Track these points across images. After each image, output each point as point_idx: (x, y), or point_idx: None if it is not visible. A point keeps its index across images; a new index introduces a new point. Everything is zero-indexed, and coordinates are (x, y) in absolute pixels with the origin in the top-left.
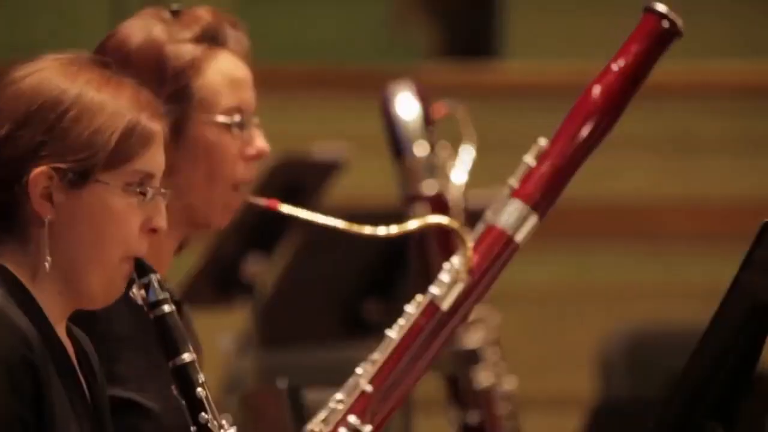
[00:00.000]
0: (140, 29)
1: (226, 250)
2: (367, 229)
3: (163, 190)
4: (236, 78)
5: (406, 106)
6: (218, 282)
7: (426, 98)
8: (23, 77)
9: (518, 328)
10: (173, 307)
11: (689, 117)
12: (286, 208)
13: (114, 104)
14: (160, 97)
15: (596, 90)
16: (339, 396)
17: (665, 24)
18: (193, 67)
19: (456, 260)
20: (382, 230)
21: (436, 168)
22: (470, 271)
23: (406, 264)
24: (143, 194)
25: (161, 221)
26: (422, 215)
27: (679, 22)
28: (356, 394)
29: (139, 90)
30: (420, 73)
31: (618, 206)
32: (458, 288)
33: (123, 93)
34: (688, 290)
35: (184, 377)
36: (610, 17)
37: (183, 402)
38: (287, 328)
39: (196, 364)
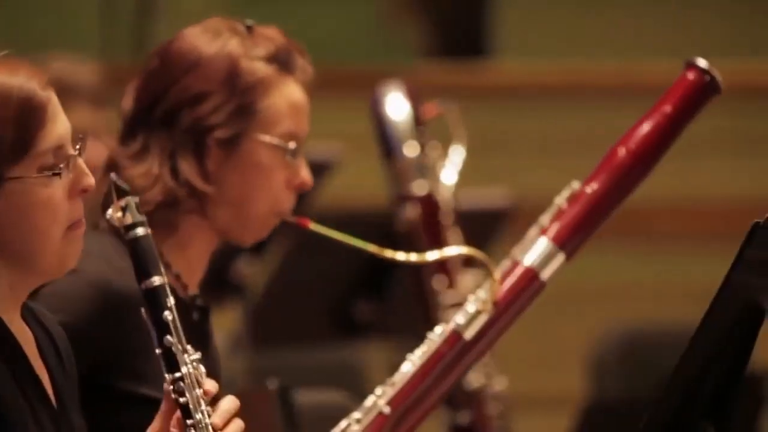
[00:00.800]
0: (213, 39)
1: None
2: (389, 253)
3: (77, 148)
4: (298, 106)
5: (397, 106)
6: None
7: (416, 98)
8: None
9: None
10: (148, 230)
11: None
12: (316, 227)
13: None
14: (226, 107)
15: (633, 140)
16: (356, 415)
17: (707, 79)
18: (263, 85)
19: (482, 291)
20: (404, 256)
21: (426, 168)
22: (495, 304)
23: (398, 265)
24: (58, 174)
25: (87, 180)
26: (413, 216)
27: (719, 78)
28: (373, 414)
29: (17, 65)
30: (411, 72)
31: None
32: (482, 319)
33: (2, 74)
34: (682, 290)
35: (153, 300)
36: (601, 17)
37: (150, 326)
38: (278, 328)
39: (167, 288)
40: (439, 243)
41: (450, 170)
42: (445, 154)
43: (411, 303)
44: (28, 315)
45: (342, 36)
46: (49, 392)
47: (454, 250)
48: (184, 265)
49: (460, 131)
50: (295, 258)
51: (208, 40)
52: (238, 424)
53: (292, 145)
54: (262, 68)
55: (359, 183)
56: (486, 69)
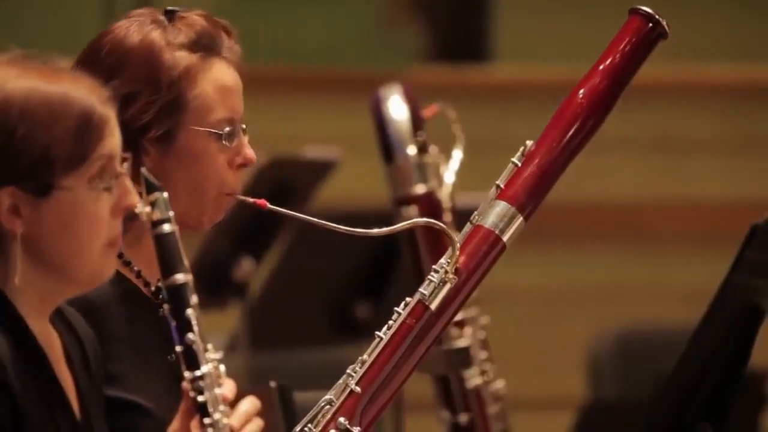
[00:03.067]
0: (136, 32)
1: (217, 251)
2: (356, 230)
3: (125, 167)
4: (228, 87)
5: (397, 108)
6: (209, 284)
7: (415, 100)
8: None
9: (507, 328)
10: (176, 227)
11: (679, 118)
12: (272, 208)
13: (61, 106)
14: (155, 105)
15: (581, 92)
16: (328, 397)
17: (650, 25)
18: (188, 76)
19: (444, 260)
20: (371, 231)
21: (426, 169)
22: (457, 271)
23: (397, 265)
24: (108, 189)
25: (131, 199)
26: (412, 217)
27: (664, 23)
28: (345, 394)
29: (80, 79)
30: (410, 75)
31: (608, 207)
32: (446, 288)
33: (66, 88)
34: (679, 291)
35: (177, 297)
36: (598, 20)
37: (173, 323)
38: (277, 329)
39: (191, 285)
40: (438, 244)
41: (449, 172)
42: (444, 155)
43: None
44: (58, 319)
45: (340, 38)
46: (73, 402)
47: (421, 219)
48: (143, 261)
49: (459, 133)
50: (295, 259)
51: (130, 34)
52: (257, 424)
53: (227, 128)
54: (184, 57)
55: (357, 184)
56: (483, 72)
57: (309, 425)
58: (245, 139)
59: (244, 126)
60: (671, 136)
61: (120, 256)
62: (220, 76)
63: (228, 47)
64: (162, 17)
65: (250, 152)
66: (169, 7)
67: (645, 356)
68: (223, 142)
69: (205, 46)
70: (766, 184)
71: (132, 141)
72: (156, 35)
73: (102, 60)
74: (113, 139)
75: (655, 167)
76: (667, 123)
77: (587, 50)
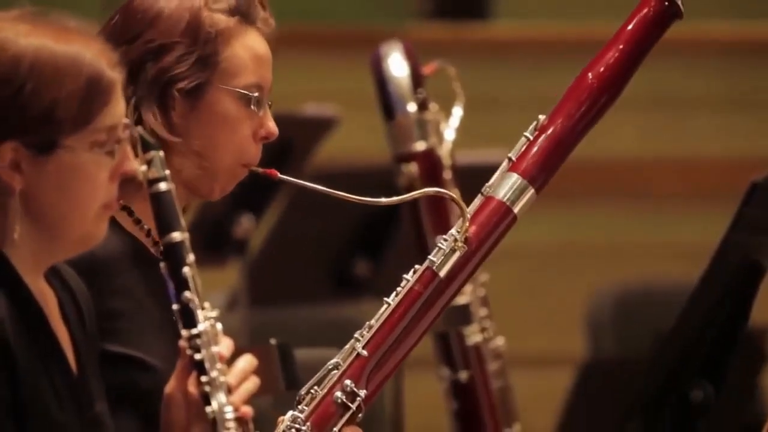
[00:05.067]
0: None
1: (217, 208)
2: (366, 199)
3: (126, 133)
4: (260, 56)
5: (398, 65)
6: (209, 241)
7: (415, 58)
8: None
9: (507, 286)
10: (172, 186)
11: (678, 76)
12: (283, 177)
13: (70, 64)
14: (190, 57)
15: (596, 69)
16: (335, 360)
17: (666, 4)
18: (224, 36)
19: (454, 229)
20: (380, 199)
21: (426, 127)
22: (467, 241)
23: (397, 223)
24: (110, 154)
25: (130, 165)
26: (412, 174)
27: (680, 1)
28: (352, 358)
29: (91, 40)
30: (409, 32)
31: (607, 165)
32: (455, 256)
33: (77, 48)
34: (678, 249)
35: (173, 255)
36: None
37: (170, 282)
38: (276, 286)
39: (187, 244)
40: (438, 205)
41: (449, 129)
42: (444, 113)
43: (409, 260)
44: (52, 275)
45: None
46: (70, 357)
47: (431, 189)
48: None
49: (459, 90)
50: (294, 216)
51: None
52: (253, 382)
53: (255, 93)
54: (223, 19)
55: (356, 141)
56: (484, 29)
57: (315, 387)
58: (270, 113)
59: (269, 102)
60: (670, 95)
61: (130, 214)
62: (253, 44)
63: (263, 19)
64: None
65: (273, 126)
66: None
67: (644, 314)
68: (251, 107)
69: (242, 13)
70: (765, 142)
71: (161, 91)
72: None
73: (137, 15)
74: (119, 105)
75: (653, 125)
76: (665, 81)
77: (586, 8)
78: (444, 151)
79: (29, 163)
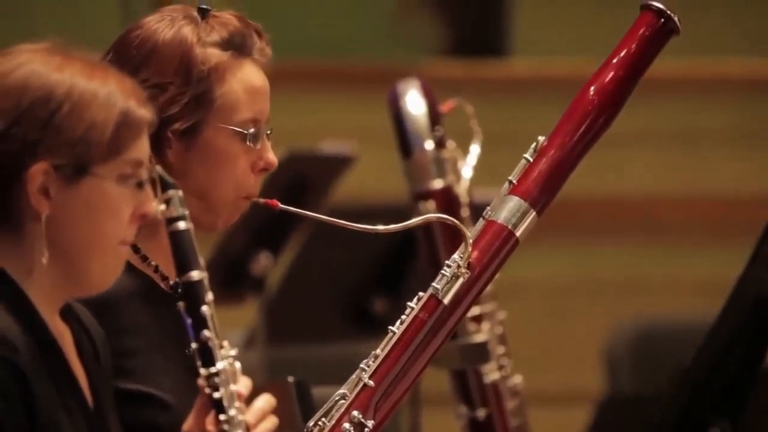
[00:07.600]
0: (168, 27)
1: (235, 246)
2: (364, 226)
3: (149, 174)
4: (256, 89)
5: (415, 102)
6: (227, 278)
7: (433, 95)
8: (8, 72)
9: (524, 323)
10: (190, 225)
11: (693, 112)
12: (284, 208)
13: (104, 94)
14: (184, 97)
15: (593, 87)
16: (342, 391)
17: (662, 20)
18: (218, 73)
19: (457, 255)
20: (383, 227)
21: (443, 164)
22: (470, 266)
23: (414, 260)
24: (140, 186)
25: (151, 207)
26: (430, 212)
27: (676, 18)
28: (358, 388)
29: (123, 77)
30: (426, 69)
31: (623, 201)
32: (459, 282)
33: (110, 81)
34: (694, 285)
35: (192, 294)
36: (616, 14)
37: (188, 321)
38: (295, 324)
39: (206, 283)
40: (455, 238)
41: (467, 166)
42: (461, 150)
43: None
44: (67, 312)
45: (356, 32)
46: (86, 392)
47: (434, 215)
48: (161, 256)
49: (477, 128)
50: (312, 253)
51: (161, 29)
52: (272, 422)
53: (252, 129)
54: (216, 54)
55: (373, 179)
56: (500, 66)
57: (323, 419)
58: (269, 143)
59: (269, 131)
60: (685, 130)
61: (137, 251)
62: (248, 77)
63: (259, 49)
64: (195, 14)
65: (272, 157)
66: (203, 5)
67: (661, 350)
68: (248, 143)
69: (236, 45)
70: None
71: (157, 133)
72: (188, 31)
73: (131, 52)
74: (146, 141)
75: (669, 161)
76: (681, 117)
77: (604, 45)
78: (461, 189)
79: (58, 189)
